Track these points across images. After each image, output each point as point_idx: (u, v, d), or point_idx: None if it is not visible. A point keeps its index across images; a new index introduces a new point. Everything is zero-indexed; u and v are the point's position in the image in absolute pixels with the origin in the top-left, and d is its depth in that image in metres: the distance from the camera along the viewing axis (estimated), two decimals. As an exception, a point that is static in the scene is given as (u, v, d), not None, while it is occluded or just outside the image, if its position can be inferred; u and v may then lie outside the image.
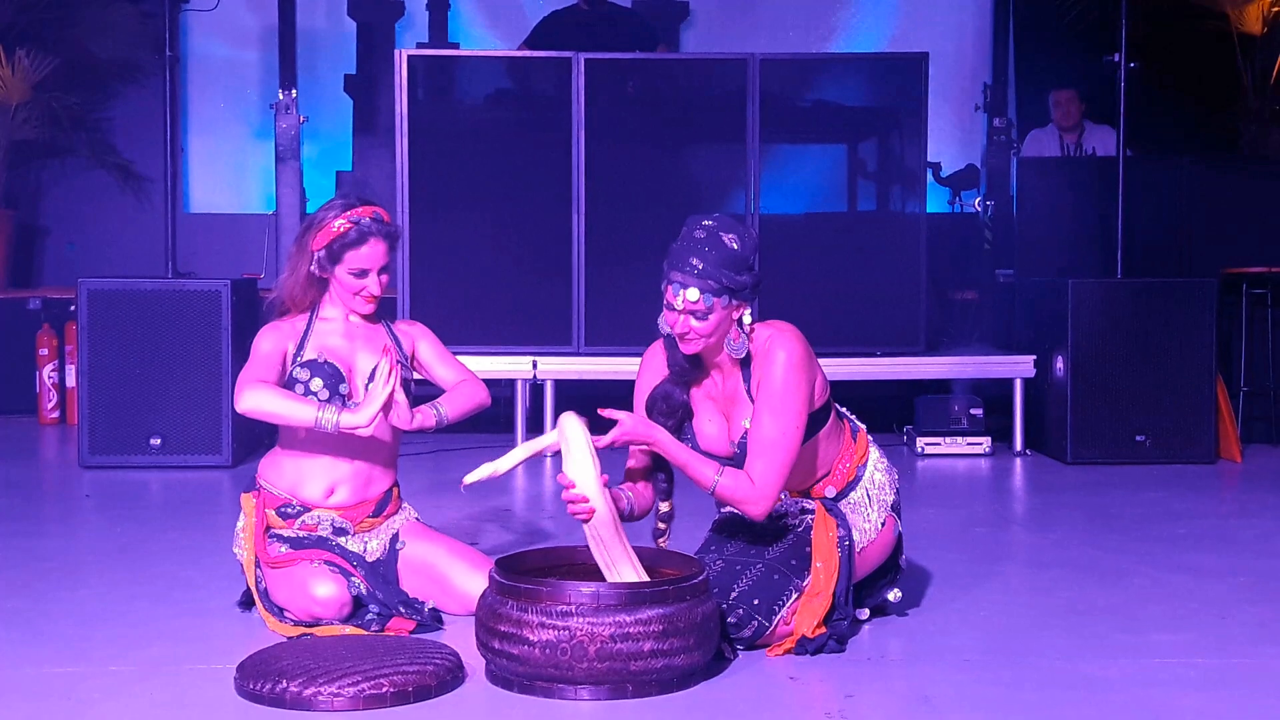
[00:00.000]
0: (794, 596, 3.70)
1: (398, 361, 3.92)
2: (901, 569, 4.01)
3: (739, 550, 3.84)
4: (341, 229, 3.98)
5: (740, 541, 3.89)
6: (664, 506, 3.85)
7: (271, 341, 4.00)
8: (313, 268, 4.02)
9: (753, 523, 3.88)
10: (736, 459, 3.76)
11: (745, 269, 3.64)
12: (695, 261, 3.60)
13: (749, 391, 3.73)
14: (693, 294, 3.59)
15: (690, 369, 3.79)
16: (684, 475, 3.70)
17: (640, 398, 3.86)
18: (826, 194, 7.77)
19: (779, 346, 3.68)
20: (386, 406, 3.83)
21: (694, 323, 3.64)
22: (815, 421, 3.77)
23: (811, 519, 3.82)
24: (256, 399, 3.86)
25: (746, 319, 3.70)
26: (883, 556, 3.91)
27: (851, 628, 3.78)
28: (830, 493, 3.86)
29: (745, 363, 3.75)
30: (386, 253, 4.03)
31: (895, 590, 4.01)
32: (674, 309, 3.64)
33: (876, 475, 3.91)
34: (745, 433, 3.72)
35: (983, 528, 5.57)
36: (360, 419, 3.81)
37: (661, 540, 3.87)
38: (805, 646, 3.63)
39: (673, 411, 3.80)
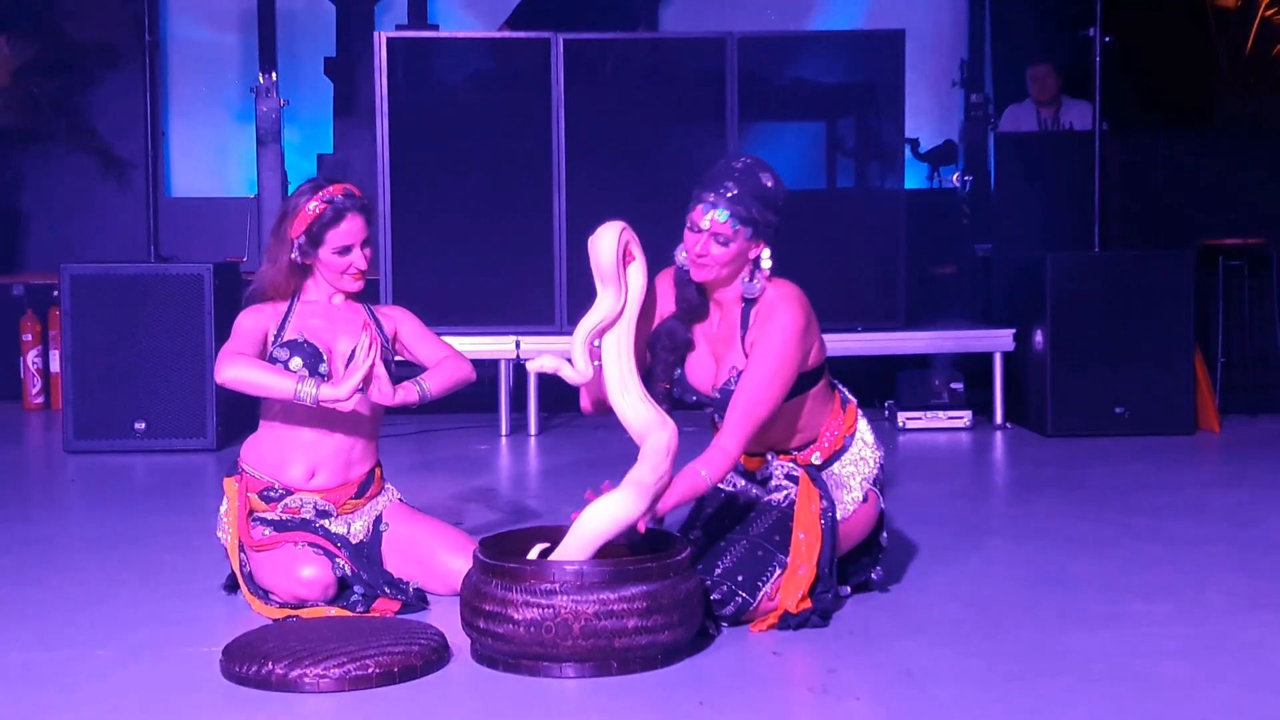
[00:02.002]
0: (777, 572, 3.72)
1: (378, 339, 3.93)
2: (883, 547, 4.03)
3: (722, 527, 3.87)
4: (317, 210, 3.98)
5: (723, 518, 3.92)
6: None
7: (253, 320, 4.01)
8: (294, 255, 4.02)
9: (736, 499, 3.94)
10: (716, 403, 3.80)
11: (773, 210, 3.69)
12: (730, 185, 3.66)
13: (743, 340, 3.76)
14: (721, 215, 3.64)
15: (698, 306, 3.81)
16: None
17: (647, 323, 3.88)
18: (805, 171, 7.79)
19: (783, 310, 3.71)
20: (367, 381, 3.84)
21: (714, 248, 3.68)
22: (807, 380, 3.81)
23: (794, 491, 3.85)
24: (236, 370, 3.87)
25: (765, 262, 3.74)
26: (865, 531, 3.93)
27: (835, 602, 3.80)
28: (816, 459, 3.88)
29: (747, 309, 3.77)
30: (365, 226, 4.05)
31: (878, 568, 4.03)
32: (698, 229, 3.68)
33: (865, 451, 3.94)
34: (729, 380, 3.76)
35: (964, 501, 5.60)
36: (340, 392, 3.81)
37: None
38: (788, 622, 3.66)
39: (676, 348, 3.82)
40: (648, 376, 3.81)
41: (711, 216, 3.65)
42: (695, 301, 3.82)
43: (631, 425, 3.67)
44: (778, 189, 3.72)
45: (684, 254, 3.76)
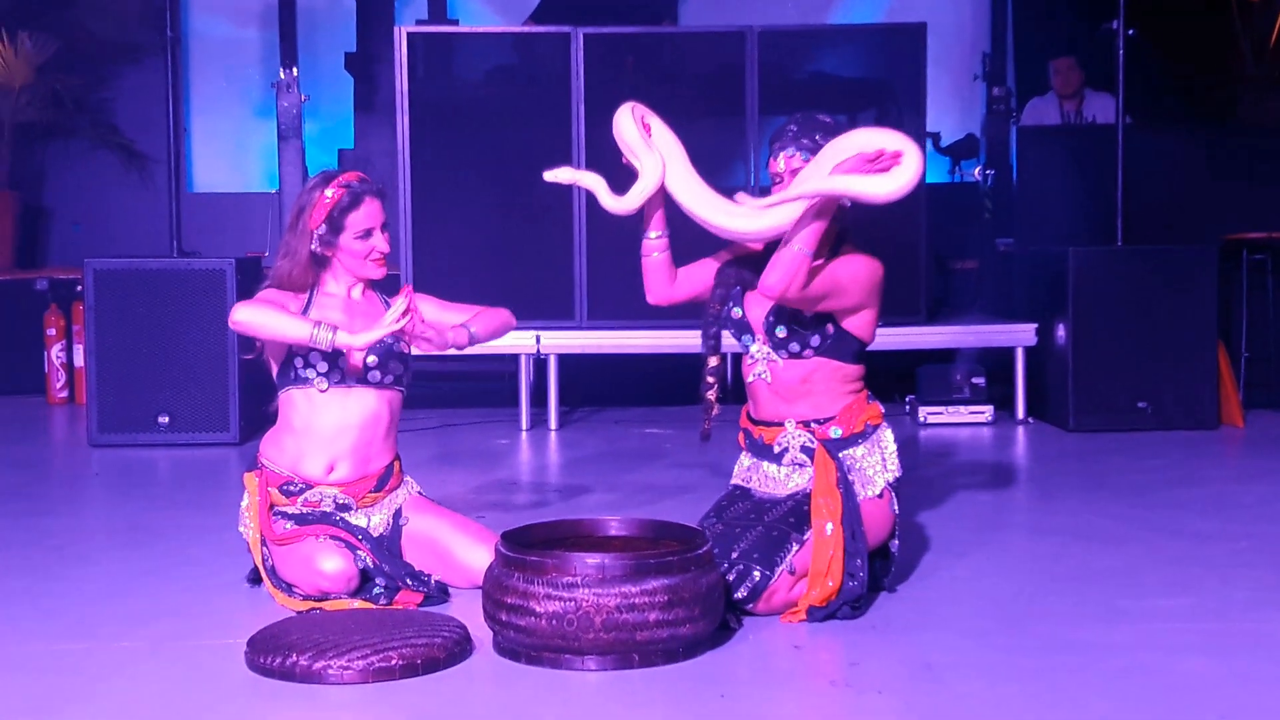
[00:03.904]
0: (795, 548, 3.73)
1: (415, 305, 3.92)
2: (894, 556, 4.01)
3: (739, 516, 3.88)
4: (335, 197, 4.00)
5: (741, 508, 3.93)
6: (713, 361, 4.02)
7: (276, 295, 4.02)
8: (314, 247, 4.03)
9: (753, 492, 3.96)
10: (767, 327, 3.94)
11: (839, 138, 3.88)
12: (792, 128, 3.92)
13: (826, 262, 3.88)
14: (790, 151, 3.89)
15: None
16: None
17: (720, 258, 4.12)
18: (827, 166, 7.77)
19: (867, 256, 3.94)
20: (408, 335, 3.88)
21: None
22: (850, 345, 3.92)
23: (810, 473, 3.88)
24: (251, 311, 3.88)
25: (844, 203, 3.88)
26: (881, 532, 3.91)
27: (865, 598, 3.77)
28: (835, 434, 3.90)
29: (836, 245, 3.92)
30: (382, 209, 4.07)
31: (888, 578, 4.01)
32: (779, 175, 3.92)
33: (890, 455, 3.95)
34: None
35: (985, 495, 5.60)
36: (357, 340, 3.85)
37: (710, 393, 4.01)
38: (816, 614, 3.67)
39: (740, 280, 4.01)
40: (705, 304, 4.06)
41: (784, 156, 3.90)
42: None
43: (743, 218, 3.84)
44: (837, 122, 3.95)
45: None
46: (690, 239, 4.10)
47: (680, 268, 4.07)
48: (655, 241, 4.01)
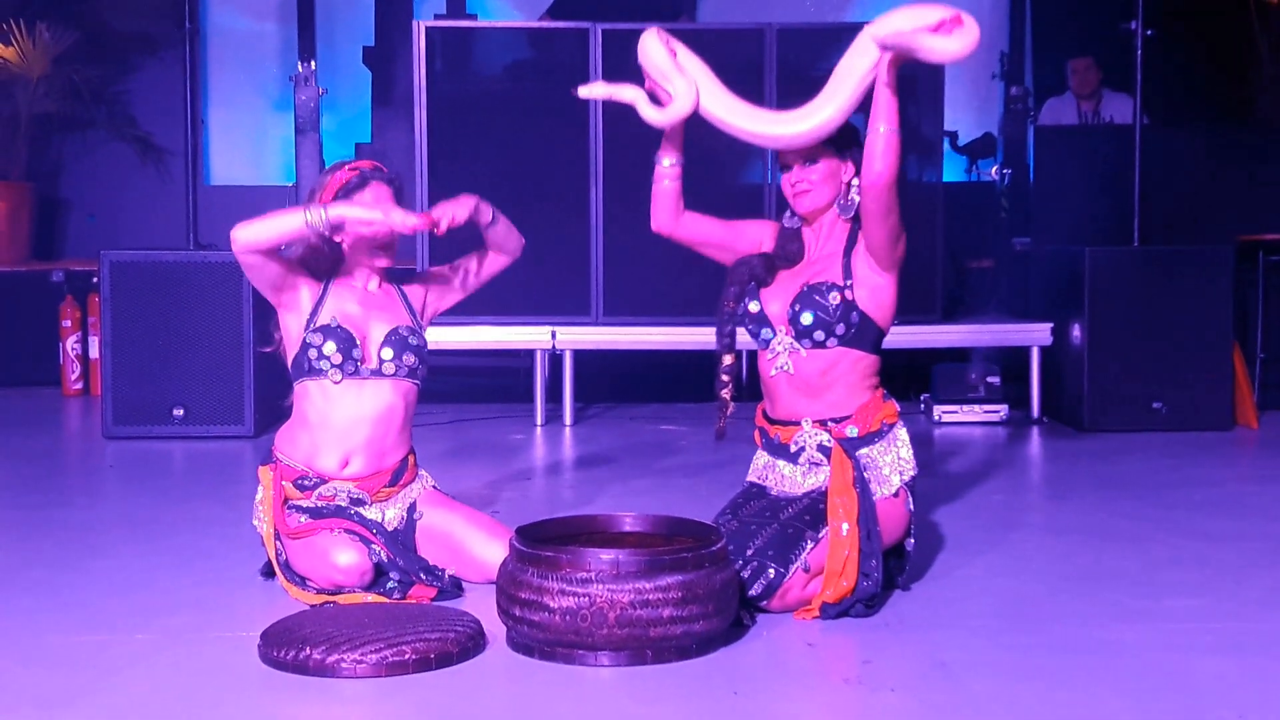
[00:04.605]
0: (810, 546, 3.73)
1: (432, 220, 3.96)
2: (909, 554, 4.02)
3: (754, 513, 3.88)
4: (343, 178, 4.03)
5: (756, 506, 3.93)
6: (727, 359, 4.01)
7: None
8: (324, 230, 4.04)
9: (769, 490, 3.96)
10: (792, 315, 3.92)
11: (848, 126, 3.91)
12: None
13: (847, 251, 3.92)
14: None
15: (796, 253, 4.02)
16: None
17: (740, 229, 4.14)
18: (843, 163, 7.77)
19: None
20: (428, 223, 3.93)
21: (809, 174, 3.93)
22: (870, 333, 3.93)
23: (826, 472, 3.87)
24: (246, 228, 3.88)
25: (855, 194, 3.90)
26: (896, 531, 3.91)
27: (879, 597, 3.78)
28: (852, 433, 3.90)
29: (855, 230, 3.94)
30: (392, 197, 4.07)
31: (903, 576, 4.02)
32: (789, 165, 3.95)
33: (905, 453, 3.95)
34: (808, 286, 3.90)
35: (999, 495, 5.59)
36: (349, 212, 3.88)
37: (725, 392, 4.00)
38: (829, 611, 3.67)
39: (755, 278, 4.01)
40: (719, 302, 4.03)
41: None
42: (795, 253, 4.02)
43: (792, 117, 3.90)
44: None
45: (790, 213, 4.02)
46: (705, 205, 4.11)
47: (690, 210, 4.10)
48: (668, 169, 4.07)
